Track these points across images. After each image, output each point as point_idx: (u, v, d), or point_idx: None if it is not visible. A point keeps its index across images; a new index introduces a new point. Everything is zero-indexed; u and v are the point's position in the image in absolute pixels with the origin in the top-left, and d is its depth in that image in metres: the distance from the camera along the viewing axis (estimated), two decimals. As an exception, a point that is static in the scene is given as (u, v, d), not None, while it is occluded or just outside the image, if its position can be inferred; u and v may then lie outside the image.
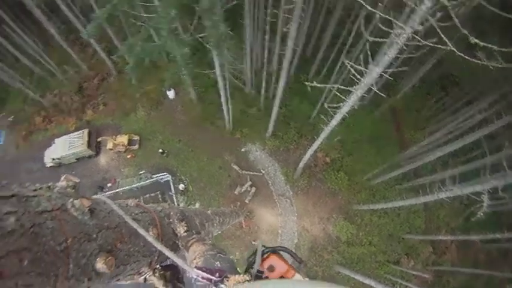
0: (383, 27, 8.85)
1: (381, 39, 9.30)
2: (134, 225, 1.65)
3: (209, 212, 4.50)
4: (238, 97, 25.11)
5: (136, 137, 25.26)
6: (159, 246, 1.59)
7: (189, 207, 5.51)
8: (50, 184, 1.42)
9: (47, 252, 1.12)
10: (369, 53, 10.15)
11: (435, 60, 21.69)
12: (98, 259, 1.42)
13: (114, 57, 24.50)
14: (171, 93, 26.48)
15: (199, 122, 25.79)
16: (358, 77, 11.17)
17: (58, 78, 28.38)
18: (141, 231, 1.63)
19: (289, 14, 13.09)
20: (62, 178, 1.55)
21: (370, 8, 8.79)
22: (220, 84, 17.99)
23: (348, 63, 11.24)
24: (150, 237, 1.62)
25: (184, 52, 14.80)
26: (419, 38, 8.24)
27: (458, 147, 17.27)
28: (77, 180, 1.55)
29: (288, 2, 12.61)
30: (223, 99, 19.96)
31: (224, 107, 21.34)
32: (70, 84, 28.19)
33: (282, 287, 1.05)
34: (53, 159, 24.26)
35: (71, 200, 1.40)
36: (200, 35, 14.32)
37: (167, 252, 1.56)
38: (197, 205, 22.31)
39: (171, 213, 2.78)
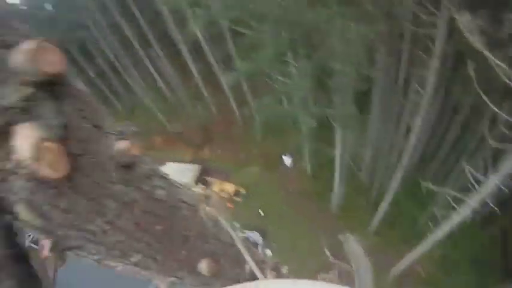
0: (507, 132, 8.16)
1: (504, 146, 8.53)
2: (243, 250, 1.76)
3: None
4: (350, 181, 24.39)
5: (242, 190, 25.78)
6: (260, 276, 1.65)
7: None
8: (188, 184, 1.68)
9: (174, 230, 1.35)
10: (490, 160, 9.35)
11: None
12: (203, 260, 1.58)
13: (243, 110, 25.78)
14: (287, 160, 26.96)
15: (307, 195, 25.51)
16: (476, 185, 10.21)
17: (187, 112, 30.92)
18: (247, 258, 1.73)
19: (417, 107, 12.86)
20: (202, 186, 1.84)
21: (495, 109, 8.21)
22: (338, 164, 17.83)
23: (467, 168, 10.47)
24: (253, 265, 1.70)
25: (310, 123, 15.17)
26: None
27: None
28: (213, 194, 1.81)
29: (418, 95, 12.46)
30: (336, 180, 19.63)
31: (335, 188, 20.92)
32: (197, 120, 30.34)
33: (283, 287, 1.06)
34: (159, 177, 25.70)
35: (204, 206, 1.64)
36: (328, 111, 14.55)
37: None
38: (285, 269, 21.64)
39: (265, 260, 2.84)
